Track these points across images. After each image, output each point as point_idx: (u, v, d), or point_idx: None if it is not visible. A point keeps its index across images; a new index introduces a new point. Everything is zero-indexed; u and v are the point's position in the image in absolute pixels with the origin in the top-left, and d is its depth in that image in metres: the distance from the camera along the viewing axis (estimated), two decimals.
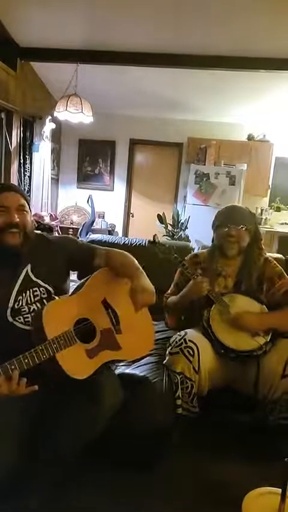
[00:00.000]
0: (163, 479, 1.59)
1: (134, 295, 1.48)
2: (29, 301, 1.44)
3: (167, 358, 1.80)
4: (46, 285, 1.49)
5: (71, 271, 1.67)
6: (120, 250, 1.69)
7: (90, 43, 4.29)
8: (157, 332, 2.11)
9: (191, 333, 1.81)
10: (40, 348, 1.24)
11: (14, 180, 5.03)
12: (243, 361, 1.79)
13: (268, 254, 2.06)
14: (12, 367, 1.18)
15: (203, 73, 4.54)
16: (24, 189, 5.27)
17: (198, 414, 1.76)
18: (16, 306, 1.42)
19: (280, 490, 1.18)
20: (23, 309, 1.43)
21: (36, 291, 1.47)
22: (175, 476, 1.62)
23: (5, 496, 1.31)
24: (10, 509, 1.33)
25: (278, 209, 5.97)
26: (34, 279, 1.48)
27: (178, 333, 1.83)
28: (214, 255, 1.99)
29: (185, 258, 2.04)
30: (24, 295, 1.44)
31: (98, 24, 3.98)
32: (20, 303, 1.43)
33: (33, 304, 1.45)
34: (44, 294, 1.48)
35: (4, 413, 1.28)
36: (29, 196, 5.38)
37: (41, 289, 1.48)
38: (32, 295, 1.46)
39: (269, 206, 5.98)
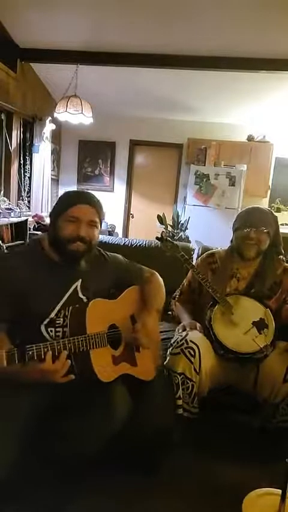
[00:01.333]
0: (163, 480, 1.59)
1: (137, 331, 1.51)
2: (67, 315, 1.43)
3: (167, 358, 1.79)
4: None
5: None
6: (161, 280, 1.75)
7: (90, 44, 4.29)
8: (162, 332, 2.11)
9: (193, 333, 1.81)
10: (81, 338, 1.29)
11: (14, 181, 5.03)
12: (243, 364, 1.78)
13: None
14: (59, 347, 1.22)
15: (203, 73, 4.55)
16: (25, 190, 5.27)
17: (198, 415, 1.76)
18: (55, 317, 1.42)
19: (280, 490, 1.18)
20: (57, 321, 1.41)
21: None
22: (176, 477, 1.62)
23: (5, 497, 1.31)
24: (11, 510, 1.33)
25: (278, 210, 5.96)
26: (80, 295, 1.48)
27: (179, 333, 1.83)
28: (232, 255, 1.97)
29: (202, 255, 2.05)
30: (66, 309, 1.43)
31: (97, 25, 3.98)
32: (59, 316, 1.42)
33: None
34: None
35: (11, 411, 1.28)
36: (29, 197, 5.38)
37: (84, 303, 1.46)
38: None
39: (268, 207, 5.98)
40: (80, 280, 1.49)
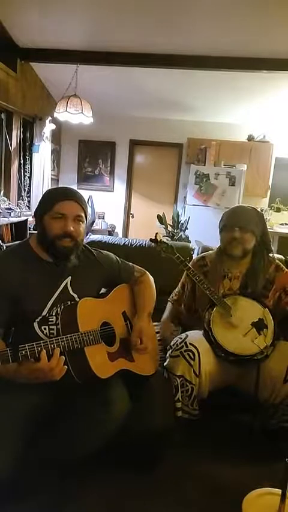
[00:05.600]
0: (163, 481, 1.59)
1: (134, 340, 1.55)
2: (59, 312, 1.43)
3: (167, 360, 1.79)
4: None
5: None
6: (151, 280, 1.78)
7: (90, 44, 4.29)
8: (158, 332, 2.10)
9: (192, 336, 1.80)
10: (74, 336, 1.30)
11: (14, 181, 5.03)
12: (243, 365, 1.77)
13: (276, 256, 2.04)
14: (52, 346, 1.22)
15: (203, 73, 4.54)
16: (25, 189, 5.27)
17: (198, 416, 1.76)
18: (47, 315, 1.42)
19: (280, 490, 1.18)
20: (51, 319, 1.42)
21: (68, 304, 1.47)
22: (175, 477, 1.62)
23: (4, 499, 1.31)
24: (11, 510, 1.33)
25: (278, 210, 5.96)
26: (71, 292, 1.49)
27: (179, 336, 1.83)
28: (221, 256, 1.97)
29: (193, 259, 2.04)
30: (58, 306, 1.44)
31: (97, 25, 3.98)
32: (51, 313, 1.43)
33: None
34: None
35: (9, 413, 1.28)
36: (29, 196, 5.38)
37: (73, 303, 1.47)
38: None
39: (268, 207, 5.98)
40: (70, 277, 1.49)
